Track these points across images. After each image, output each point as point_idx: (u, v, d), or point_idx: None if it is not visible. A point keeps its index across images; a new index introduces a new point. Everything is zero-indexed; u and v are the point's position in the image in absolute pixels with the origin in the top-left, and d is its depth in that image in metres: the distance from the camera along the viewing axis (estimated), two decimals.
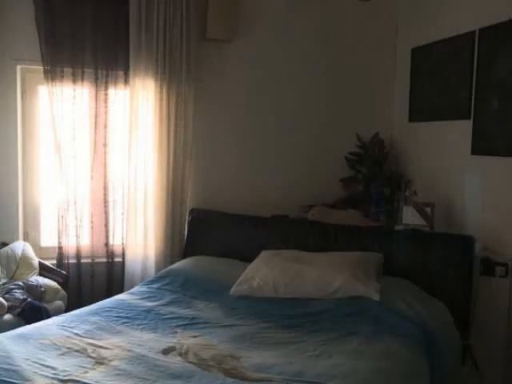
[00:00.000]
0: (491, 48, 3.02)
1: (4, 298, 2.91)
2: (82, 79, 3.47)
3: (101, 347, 2.22)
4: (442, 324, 2.65)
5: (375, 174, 3.80)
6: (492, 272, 2.89)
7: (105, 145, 3.55)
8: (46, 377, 1.92)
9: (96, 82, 3.49)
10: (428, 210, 3.23)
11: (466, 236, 3.00)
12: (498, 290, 2.89)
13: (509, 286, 2.87)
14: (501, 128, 2.95)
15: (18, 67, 3.50)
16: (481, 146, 3.13)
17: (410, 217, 3.26)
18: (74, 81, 3.45)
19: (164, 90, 3.53)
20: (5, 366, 1.96)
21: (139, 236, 3.58)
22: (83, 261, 3.54)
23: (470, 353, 2.88)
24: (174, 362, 2.12)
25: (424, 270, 2.99)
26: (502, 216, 2.97)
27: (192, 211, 3.72)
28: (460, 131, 3.28)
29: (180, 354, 2.19)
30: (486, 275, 2.91)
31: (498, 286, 2.89)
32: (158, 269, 3.52)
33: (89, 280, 3.56)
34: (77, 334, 2.33)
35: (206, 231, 3.61)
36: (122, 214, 3.62)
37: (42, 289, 3.13)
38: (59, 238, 3.49)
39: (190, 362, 2.11)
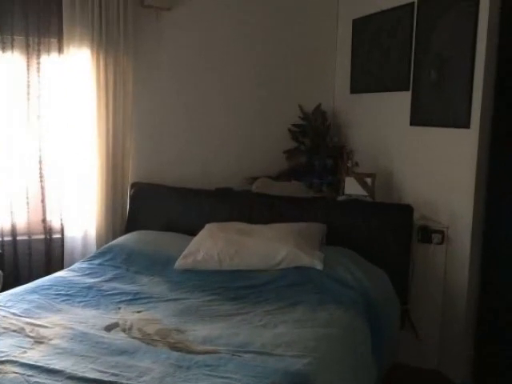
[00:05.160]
0: (429, 19, 3.07)
1: None
2: (12, 47, 3.27)
3: (40, 326, 2.15)
4: (383, 291, 2.73)
5: (318, 145, 3.83)
6: (429, 239, 3.01)
7: (39, 116, 3.39)
8: None
9: (27, 50, 3.30)
10: (369, 180, 3.30)
11: (405, 205, 3.09)
12: (434, 257, 3.01)
13: (445, 252, 2.99)
14: (437, 100, 3.03)
15: None
16: (418, 117, 3.21)
17: (351, 187, 3.32)
18: (4, 48, 3.25)
19: (101, 58, 3.37)
20: None
21: (78, 211, 3.47)
22: (19, 238, 3.40)
23: (408, 317, 3.00)
24: (118, 338, 2.08)
25: (365, 239, 3.06)
26: (438, 186, 3.07)
27: (134, 185, 3.64)
28: (400, 102, 3.35)
29: (124, 330, 2.15)
30: (423, 242, 3.03)
31: (434, 253, 3.01)
32: (99, 245, 3.44)
33: (26, 258, 3.42)
34: (14, 314, 2.25)
35: (148, 205, 3.54)
36: (60, 188, 3.49)
37: None
38: None
39: (134, 338, 2.08)
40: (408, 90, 3.27)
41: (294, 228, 2.98)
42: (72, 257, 3.44)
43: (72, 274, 2.80)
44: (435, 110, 3.06)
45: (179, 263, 2.81)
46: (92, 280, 2.71)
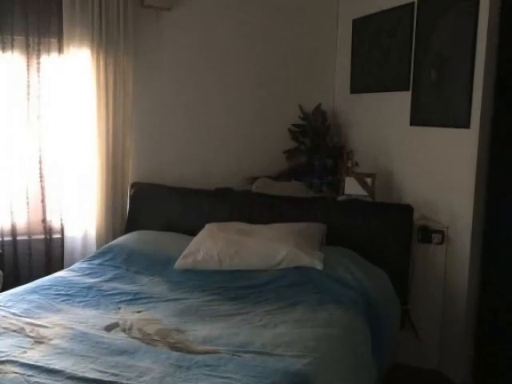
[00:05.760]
0: (429, 19, 3.07)
1: None
2: (12, 47, 3.27)
3: (40, 326, 2.14)
4: (383, 291, 2.73)
5: (318, 145, 3.83)
6: (429, 239, 3.01)
7: (39, 117, 3.38)
8: None
9: (27, 50, 3.29)
10: (369, 180, 3.30)
11: (405, 205, 3.09)
12: (434, 257, 3.01)
13: (445, 252, 2.99)
14: (437, 100, 3.03)
15: None
16: (418, 117, 3.21)
17: (351, 187, 3.32)
18: (4, 48, 3.25)
19: (101, 58, 3.38)
20: None
21: (78, 211, 3.47)
22: (19, 238, 3.40)
23: (408, 317, 3.00)
24: (118, 338, 2.08)
25: (365, 239, 3.05)
26: (438, 186, 3.07)
27: (134, 185, 3.64)
28: (400, 102, 3.35)
29: (124, 330, 2.15)
30: (423, 242, 3.03)
31: (434, 253, 3.01)
32: (99, 245, 3.43)
33: (26, 258, 3.42)
34: (14, 314, 2.24)
35: (148, 205, 3.54)
36: (60, 188, 3.48)
37: None
38: None
39: (134, 338, 2.08)
40: (408, 90, 3.27)
41: (294, 228, 2.97)
42: (72, 257, 3.44)
43: (72, 273, 2.80)
44: (435, 110, 3.06)
45: (179, 263, 2.80)
46: (92, 280, 2.71)
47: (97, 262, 2.97)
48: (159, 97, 3.72)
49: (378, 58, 3.58)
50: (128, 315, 2.30)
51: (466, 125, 2.82)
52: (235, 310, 2.38)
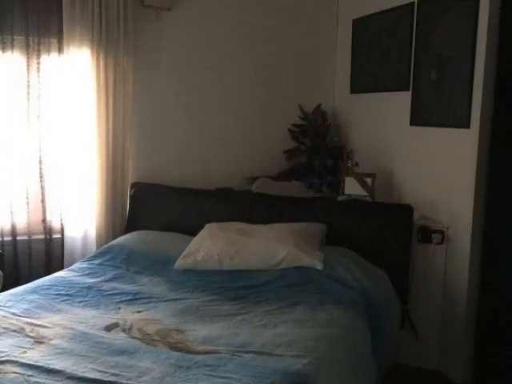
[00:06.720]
0: (429, 19, 3.07)
1: None
2: (12, 47, 3.27)
3: (40, 326, 2.14)
4: (383, 291, 2.73)
5: (318, 145, 3.83)
6: (429, 239, 3.01)
7: (39, 117, 3.38)
8: None
9: (27, 50, 3.29)
10: (369, 180, 3.30)
11: (405, 205, 3.09)
12: (434, 257, 3.01)
13: (445, 252, 2.99)
14: (437, 100, 3.03)
15: None
16: (418, 117, 3.21)
17: (351, 187, 3.32)
18: (4, 48, 3.25)
19: (101, 58, 3.38)
20: None
21: (78, 211, 3.47)
22: (19, 238, 3.40)
23: (408, 317, 3.00)
24: (118, 338, 2.08)
25: (365, 239, 3.05)
26: (438, 186, 3.07)
27: (134, 185, 3.64)
28: (400, 102, 3.35)
29: (124, 330, 2.15)
30: (423, 242, 3.03)
31: (434, 253, 3.01)
32: (99, 245, 3.43)
33: (26, 258, 3.42)
34: (14, 314, 2.24)
35: (148, 205, 3.54)
36: (60, 188, 3.48)
37: None
38: None
39: (134, 338, 2.08)
40: (408, 90, 3.27)
41: (294, 228, 2.97)
42: (72, 257, 3.44)
43: (72, 273, 2.80)
44: (435, 109, 3.06)
45: (179, 263, 2.80)
46: (92, 280, 2.71)
47: (97, 261, 2.97)
48: (159, 97, 3.72)
49: (378, 58, 3.58)
50: (128, 315, 2.30)
51: (466, 125, 2.82)
52: (235, 310, 2.38)
